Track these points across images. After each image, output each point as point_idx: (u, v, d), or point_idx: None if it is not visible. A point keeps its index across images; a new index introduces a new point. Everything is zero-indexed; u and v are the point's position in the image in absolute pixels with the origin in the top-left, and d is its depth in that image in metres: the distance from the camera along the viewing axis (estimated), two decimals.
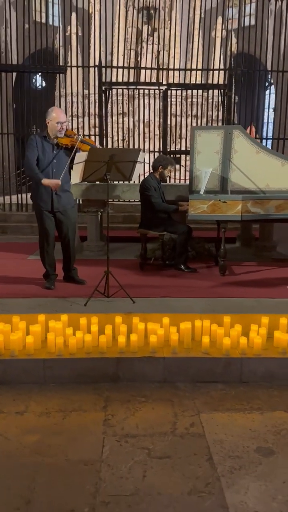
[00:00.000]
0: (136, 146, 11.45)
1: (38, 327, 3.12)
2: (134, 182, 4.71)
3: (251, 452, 2.27)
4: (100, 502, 1.92)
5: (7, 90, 9.28)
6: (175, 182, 8.99)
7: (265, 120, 15.67)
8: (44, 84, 16.34)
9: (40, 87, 16.89)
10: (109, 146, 11.12)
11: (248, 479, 2.07)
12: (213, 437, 2.40)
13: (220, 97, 8.74)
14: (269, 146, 11.42)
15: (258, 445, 2.32)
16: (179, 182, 9.27)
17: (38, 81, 17.32)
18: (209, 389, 2.92)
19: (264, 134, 13.56)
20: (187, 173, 6.13)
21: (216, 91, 10.30)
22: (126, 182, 5.10)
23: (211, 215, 4.59)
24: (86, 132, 10.40)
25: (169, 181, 8.47)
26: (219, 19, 12.51)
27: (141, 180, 5.15)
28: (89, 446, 2.31)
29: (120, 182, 5.47)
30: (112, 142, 11.12)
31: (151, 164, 5.23)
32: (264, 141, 11.48)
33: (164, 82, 11.70)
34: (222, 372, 3.02)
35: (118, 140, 11.52)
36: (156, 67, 12.04)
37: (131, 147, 11.48)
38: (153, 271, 4.89)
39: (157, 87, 8.75)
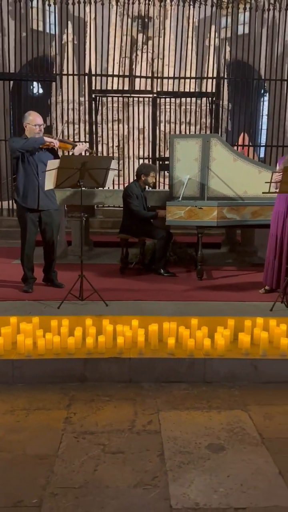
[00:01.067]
0: (131, 153, 11.63)
1: (9, 329, 3.22)
2: (113, 188, 4.85)
3: (202, 448, 2.36)
4: (48, 494, 2.01)
5: (4, 97, 9.46)
6: (163, 188, 9.11)
7: (260, 127, 15.83)
8: (41, 91, 16.57)
9: (37, 94, 17.11)
10: (104, 152, 11.29)
11: (194, 473, 2.16)
12: (168, 434, 2.49)
13: (208, 105, 8.88)
14: (262, 153, 11.59)
15: (210, 442, 2.41)
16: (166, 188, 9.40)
17: (36, 88, 17.53)
18: (173, 388, 3.01)
19: (260, 141, 13.76)
20: None
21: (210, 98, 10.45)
22: (111, 188, 5.24)
23: (188, 221, 4.70)
24: (82, 139, 10.54)
25: (158, 187, 8.61)
26: (213, 28, 12.71)
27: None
28: (47, 442, 2.40)
29: (104, 188, 5.60)
30: (108, 148, 11.28)
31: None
32: (257, 148, 11.65)
33: (159, 89, 11.86)
34: (186, 372, 3.11)
35: (113, 146, 11.68)
36: (150, 75, 12.21)
37: (125, 153, 11.65)
38: (132, 275, 4.99)
39: (146, 95, 8.89)
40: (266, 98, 15.56)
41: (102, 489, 2.05)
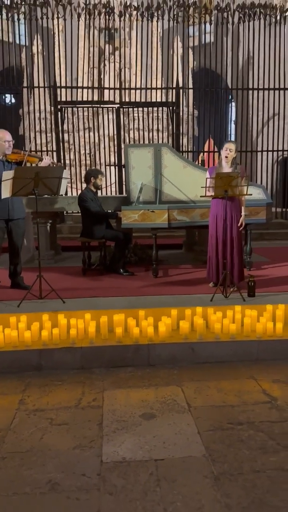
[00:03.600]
0: (103, 160, 12.02)
1: None
2: (77, 194, 5.17)
3: (136, 417, 2.74)
4: None
5: None
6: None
7: (229, 132, 16.38)
8: (13, 100, 16.84)
9: (10, 103, 17.37)
10: (76, 160, 11.64)
11: (126, 436, 2.53)
12: (109, 407, 2.86)
13: (169, 114, 9.33)
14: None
15: (144, 412, 2.79)
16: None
17: (8, 98, 17.77)
18: (120, 372, 3.38)
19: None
20: None
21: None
22: (74, 195, 5.56)
23: (142, 223, 5.09)
24: (54, 147, 10.89)
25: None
26: (177, 38, 13.23)
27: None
28: (1, 420, 2.74)
29: (67, 195, 5.97)
30: (79, 156, 11.64)
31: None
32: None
33: (127, 99, 12.29)
34: (132, 357, 3.49)
35: (85, 154, 12.05)
36: (118, 84, 12.67)
37: (97, 160, 12.04)
38: (93, 275, 5.36)
39: (110, 105, 9.30)
40: (234, 104, 16.17)
41: (45, 452, 2.41)
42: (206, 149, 10.75)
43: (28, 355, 3.43)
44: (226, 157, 4.35)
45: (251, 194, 4.28)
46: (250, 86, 10.74)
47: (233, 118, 16.18)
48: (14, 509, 1.98)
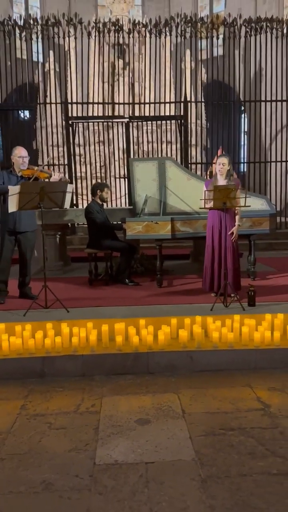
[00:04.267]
0: (113, 172, 12.25)
1: None
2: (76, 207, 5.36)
3: (131, 422, 2.83)
4: None
5: None
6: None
7: (243, 143, 16.48)
8: (29, 115, 17.28)
9: (25, 118, 17.83)
10: (88, 172, 11.88)
11: (120, 440, 2.63)
12: (106, 413, 2.96)
13: (177, 127, 9.49)
14: (244, 168, 12.23)
15: (139, 417, 2.88)
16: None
17: (23, 113, 18.22)
18: (119, 379, 3.48)
19: (241, 157, 14.41)
20: None
21: (192, 118, 11.02)
22: (81, 208, 5.74)
23: (146, 235, 5.22)
24: (67, 161, 11.15)
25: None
26: (188, 51, 13.46)
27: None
28: (3, 423, 2.87)
29: (74, 208, 6.15)
30: (95, 168, 11.88)
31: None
32: (237, 164, 12.27)
33: (138, 113, 12.50)
34: (131, 365, 3.58)
35: (98, 166, 12.30)
36: (131, 98, 12.97)
37: (110, 172, 12.29)
38: (99, 286, 5.49)
39: (120, 120, 9.51)
40: (245, 115, 16.29)
41: (42, 454, 2.52)
42: (214, 160, 10.86)
43: (31, 362, 3.56)
44: (220, 170, 4.49)
45: (249, 206, 4.37)
46: (261, 98, 10.87)
47: (245, 129, 16.31)
48: (9, 507, 2.09)
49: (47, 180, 4.72)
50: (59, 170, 10.53)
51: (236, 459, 2.40)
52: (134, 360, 3.59)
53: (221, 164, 4.51)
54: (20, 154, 4.61)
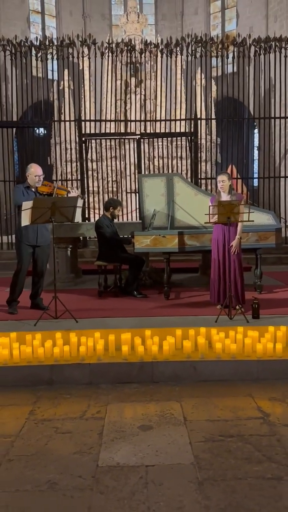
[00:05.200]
0: (128, 186, 12.51)
1: None
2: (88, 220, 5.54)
3: (134, 428, 2.94)
4: (6, 460, 2.61)
5: (8, 140, 10.40)
6: None
7: (253, 158, 16.64)
8: (44, 131, 17.74)
9: (41, 134, 18.30)
10: (101, 187, 12.14)
11: (123, 444, 2.74)
12: (110, 419, 3.08)
13: (187, 143, 9.70)
14: (255, 183, 12.37)
15: (142, 424, 3.00)
16: None
17: (39, 129, 18.69)
18: (125, 387, 3.60)
19: (253, 172, 14.56)
20: None
21: (200, 133, 11.22)
22: (92, 222, 5.92)
23: (154, 248, 5.38)
24: (80, 176, 11.44)
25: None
26: (199, 69, 13.75)
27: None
28: (12, 427, 3.01)
29: (86, 222, 6.34)
30: (107, 183, 12.15)
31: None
32: (251, 180, 12.40)
33: (150, 129, 12.77)
34: (137, 374, 3.70)
35: (111, 181, 12.58)
36: (143, 115, 13.29)
37: (121, 187, 12.54)
38: (108, 297, 5.64)
39: (131, 137, 9.77)
40: (257, 131, 16.48)
41: (48, 455, 2.65)
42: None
43: (40, 370, 3.71)
44: (222, 187, 4.66)
45: (252, 221, 4.50)
46: (273, 114, 11.04)
47: (256, 144, 16.48)
48: (15, 503, 2.22)
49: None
50: (71, 185, 10.80)
51: (232, 464, 2.50)
52: (139, 369, 3.71)
53: (221, 182, 4.68)
54: (36, 173, 4.81)
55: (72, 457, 2.62)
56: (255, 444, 2.70)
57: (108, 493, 2.26)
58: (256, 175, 14.18)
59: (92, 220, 9.66)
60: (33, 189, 4.83)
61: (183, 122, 12.37)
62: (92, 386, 3.66)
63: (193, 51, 9.53)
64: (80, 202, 4.52)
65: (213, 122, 12.29)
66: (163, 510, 2.13)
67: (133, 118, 12.33)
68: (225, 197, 4.68)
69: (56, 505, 2.20)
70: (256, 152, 16.32)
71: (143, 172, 10.11)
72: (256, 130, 16.32)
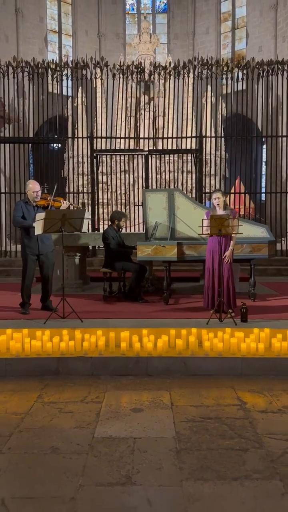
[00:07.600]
0: (137, 199, 13.05)
1: (4, 337, 4.37)
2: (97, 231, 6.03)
3: (127, 410, 3.40)
4: (17, 431, 3.08)
5: (24, 154, 11.03)
6: None
7: (260, 172, 17.07)
8: (59, 146, 18.47)
9: (56, 147, 19.05)
10: (113, 199, 12.70)
11: (116, 422, 3.20)
12: (107, 402, 3.54)
13: (193, 160, 10.22)
14: (263, 197, 12.81)
15: (134, 407, 3.45)
16: None
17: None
18: (122, 379, 4.06)
19: (260, 187, 15.01)
20: None
21: (208, 148, 11.67)
22: (99, 232, 6.43)
23: (154, 257, 5.86)
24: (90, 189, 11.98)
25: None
26: (208, 87, 14.34)
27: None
28: (22, 407, 3.48)
29: (94, 232, 6.85)
30: (117, 195, 12.70)
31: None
32: (259, 195, 12.84)
33: (160, 145, 13.32)
34: (133, 367, 4.16)
35: (120, 193, 13.14)
36: (153, 131, 13.90)
37: (131, 199, 13.10)
38: (112, 302, 6.12)
39: (140, 153, 10.33)
40: (264, 147, 16.94)
41: (52, 429, 3.11)
42: (232, 190, 11.51)
43: (48, 361, 4.18)
44: (218, 204, 5.12)
45: (241, 233, 4.95)
46: (280, 131, 11.50)
47: (264, 159, 16.92)
48: (24, 462, 2.69)
49: (62, 207, 5.42)
50: (83, 197, 11.37)
51: (208, 438, 2.93)
52: (135, 363, 4.16)
53: (216, 199, 5.15)
54: (34, 189, 5.32)
55: (72, 430, 3.09)
56: (230, 424, 3.13)
57: (100, 456, 2.72)
58: (264, 190, 14.62)
59: (101, 230, 10.20)
60: (32, 204, 5.35)
61: (186, 140, 12.94)
62: (93, 377, 4.12)
63: (199, 73, 10.10)
64: (87, 214, 5.03)
65: (222, 138, 12.80)
66: (145, 469, 2.57)
67: (143, 134, 12.89)
68: (219, 212, 5.15)
69: (56, 464, 2.66)
70: (264, 167, 16.74)
71: (150, 186, 10.65)
72: (264, 146, 16.76)
